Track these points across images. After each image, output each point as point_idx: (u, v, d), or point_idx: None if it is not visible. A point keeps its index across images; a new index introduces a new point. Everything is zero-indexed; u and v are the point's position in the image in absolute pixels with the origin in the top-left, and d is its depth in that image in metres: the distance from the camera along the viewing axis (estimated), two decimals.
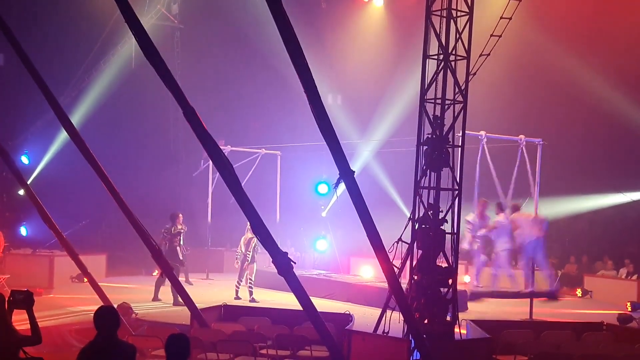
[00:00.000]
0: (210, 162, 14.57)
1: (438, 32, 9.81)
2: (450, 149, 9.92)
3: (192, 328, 10.76)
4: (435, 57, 9.93)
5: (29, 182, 12.91)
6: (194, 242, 20.39)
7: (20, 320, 7.21)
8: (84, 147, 10.76)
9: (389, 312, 10.04)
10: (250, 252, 16.72)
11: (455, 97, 9.94)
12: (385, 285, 11.03)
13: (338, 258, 21.42)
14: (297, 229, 22.43)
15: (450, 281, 9.86)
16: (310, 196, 23.17)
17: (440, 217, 9.89)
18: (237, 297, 16.66)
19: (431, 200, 9.92)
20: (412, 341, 9.02)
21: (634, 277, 19.95)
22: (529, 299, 15.48)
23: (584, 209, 22.38)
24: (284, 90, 22.65)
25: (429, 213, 9.84)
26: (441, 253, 9.89)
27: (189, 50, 25.42)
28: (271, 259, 8.05)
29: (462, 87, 9.97)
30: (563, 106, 22.64)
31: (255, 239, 16.27)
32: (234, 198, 7.82)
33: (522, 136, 15.79)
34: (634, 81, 20.74)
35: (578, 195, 22.20)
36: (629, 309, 16.52)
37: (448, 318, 9.83)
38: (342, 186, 8.13)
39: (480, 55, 11.17)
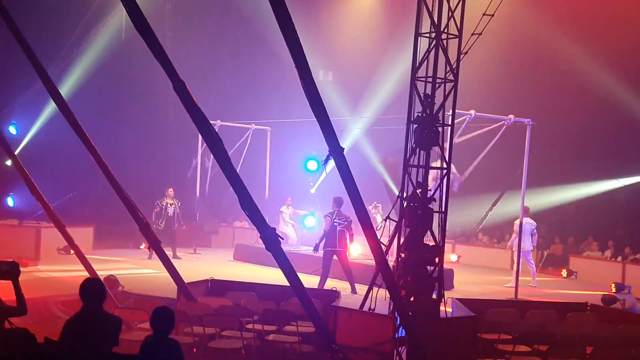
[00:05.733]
0: (200, 136, 14.52)
1: (430, 10, 9.76)
2: (440, 128, 9.92)
3: (179, 302, 10.77)
4: (427, 35, 9.89)
5: (16, 153, 12.84)
6: (182, 216, 20.38)
7: (5, 291, 7.19)
8: (72, 119, 10.68)
9: (375, 289, 10.08)
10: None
11: (447, 75, 9.92)
12: (372, 262, 11.07)
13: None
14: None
15: (437, 259, 9.90)
16: (299, 172, 23.18)
17: (428, 196, 9.91)
18: None
19: (420, 179, 9.93)
20: (398, 318, 9.07)
21: (619, 258, 20.12)
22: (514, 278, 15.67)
23: (574, 197, 22.56)
24: (275, 65, 22.57)
25: (418, 191, 9.86)
26: (429, 231, 9.92)
27: (180, 23, 25.24)
28: (259, 235, 8.05)
29: (454, 66, 9.94)
30: (555, 88, 22.68)
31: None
32: (223, 173, 7.80)
33: (511, 116, 15.82)
34: (626, 63, 20.77)
35: (568, 182, 22.36)
36: (614, 290, 16.67)
37: (434, 296, 9.88)
38: (332, 163, 8.12)
39: (472, 35, 11.12)
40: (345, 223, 14.94)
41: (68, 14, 22.75)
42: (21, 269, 7.08)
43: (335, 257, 15.08)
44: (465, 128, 16.24)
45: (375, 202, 19.85)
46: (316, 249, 15.40)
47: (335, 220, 14.93)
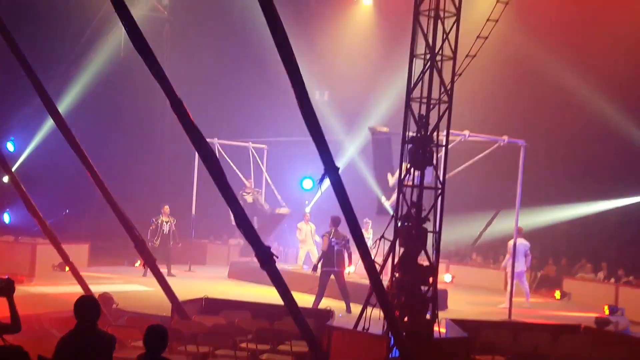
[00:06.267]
0: (197, 154, 14.56)
1: (425, 32, 9.87)
2: (434, 148, 9.99)
3: (173, 320, 10.76)
4: (422, 56, 10.00)
5: (13, 169, 12.86)
6: (178, 234, 20.37)
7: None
8: (70, 136, 10.73)
9: (369, 308, 10.09)
10: None
11: (441, 97, 10.02)
12: (367, 282, 11.10)
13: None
14: (281, 224, 22.47)
15: (430, 280, 9.93)
16: (295, 191, 23.22)
17: (423, 216, 9.96)
18: None
19: (414, 199, 9.98)
20: (392, 338, 9.08)
21: (612, 280, 20.14)
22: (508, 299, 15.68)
23: (567, 217, 22.59)
24: (271, 84, 22.68)
25: (412, 211, 9.91)
26: (423, 251, 9.96)
27: (178, 42, 25.36)
28: (254, 253, 8.07)
29: (448, 88, 10.04)
30: (550, 110, 22.80)
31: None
32: (219, 191, 7.84)
33: (505, 137, 15.93)
34: (619, 86, 20.90)
35: (561, 203, 22.40)
36: (607, 312, 16.65)
37: (428, 316, 9.90)
38: (327, 182, 8.16)
39: (466, 57, 11.23)
40: (343, 242, 14.95)
41: (67, 31, 22.86)
42: (16, 285, 7.09)
43: (332, 276, 15.08)
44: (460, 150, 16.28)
45: (365, 219, 19.88)
46: (315, 269, 15.40)
47: (332, 239, 14.95)
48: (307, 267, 19.42)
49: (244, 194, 21.52)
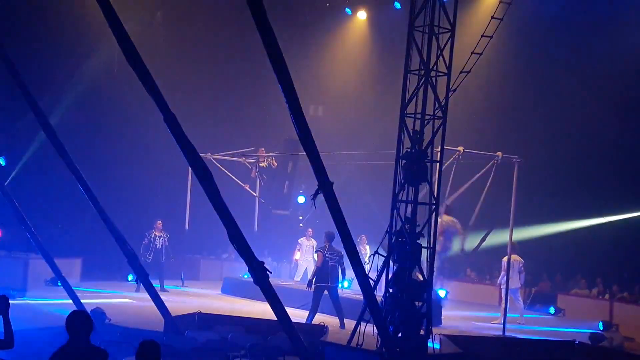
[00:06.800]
0: (190, 169, 14.56)
1: (420, 47, 9.90)
2: (428, 164, 10.00)
3: (166, 335, 10.70)
4: (417, 72, 10.02)
5: (5, 184, 12.81)
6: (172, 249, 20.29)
7: None
8: (63, 150, 10.71)
9: (363, 324, 10.06)
10: None
11: (435, 112, 10.03)
12: (361, 297, 11.06)
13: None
14: (275, 239, 22.40)
15: (425, 295, 9.91)
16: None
17: (417, 231, 9.95)
18: None
19: (408, 214, 9.98)
20: (386, 354, 9.04)
21: (606, 296, 20.13)
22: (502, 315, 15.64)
23: (561, 233, 22.58)
24: (266, 99, 22.73)
25: (406, 227, 9.90)
26: (417, 267, 9.94)
27: (172, 56, 25.37)
28: (247, 268, 8.05)
29: (442, 103, 10.06)
30: (543, 125, 22.85)
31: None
32: (213, 206, 7.82)
33: (499, 153, 15.95)
34: (615, 101, 20.99)
35: (556, 219, 22.40)
36: (601, 328, 16.63)
37: (422, 332, 9.87)
38: (321, 197, 8.15)
39: (460, 72, 11.26)
40: (337, 258, 14.91)
41: (61, 45, 22.83)
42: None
43: (326, 292, 15.04)
44: (454, 168, 16.27)
45: (361, 235, 19.82)
46: (309, 284, 15.35)
47: (326, 255, 14.90)
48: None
49: (260, 164, 21.42)
